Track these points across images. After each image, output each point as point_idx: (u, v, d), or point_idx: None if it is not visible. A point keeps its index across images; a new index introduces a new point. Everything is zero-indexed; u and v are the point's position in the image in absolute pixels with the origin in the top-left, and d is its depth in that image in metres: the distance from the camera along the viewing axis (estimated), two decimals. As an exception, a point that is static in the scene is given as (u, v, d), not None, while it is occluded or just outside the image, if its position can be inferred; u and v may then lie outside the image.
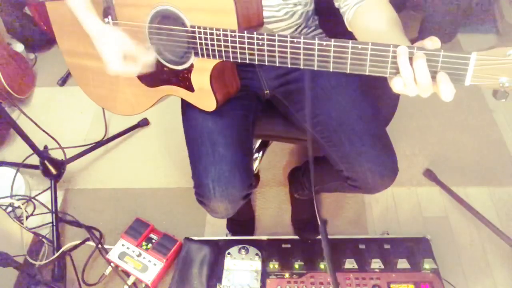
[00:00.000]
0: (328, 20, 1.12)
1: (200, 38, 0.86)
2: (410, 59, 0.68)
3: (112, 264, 1.44)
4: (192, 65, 0.93)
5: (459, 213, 1.57)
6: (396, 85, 0.70)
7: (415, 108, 1.91)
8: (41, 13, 2.22)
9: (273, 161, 1.78)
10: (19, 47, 2.21)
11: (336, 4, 0.99)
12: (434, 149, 1.77)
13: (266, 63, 0.82)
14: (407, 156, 1.75)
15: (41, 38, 2.28)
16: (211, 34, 0.84)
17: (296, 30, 1.09)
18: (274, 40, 0.78)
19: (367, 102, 1.07)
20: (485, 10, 2.16)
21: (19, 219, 1.59)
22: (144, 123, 1.95)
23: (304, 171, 1.46)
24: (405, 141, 1.80)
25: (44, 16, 2.22)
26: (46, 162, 1.61)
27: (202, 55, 0.88)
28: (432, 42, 0.68)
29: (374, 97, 1.10)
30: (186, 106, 1.11)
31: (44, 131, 1.59)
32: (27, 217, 1.61)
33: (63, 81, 2.20)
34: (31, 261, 1.45)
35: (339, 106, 1.05)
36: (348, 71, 0.75)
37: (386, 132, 1.07)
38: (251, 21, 0.85)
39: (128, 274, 1.43)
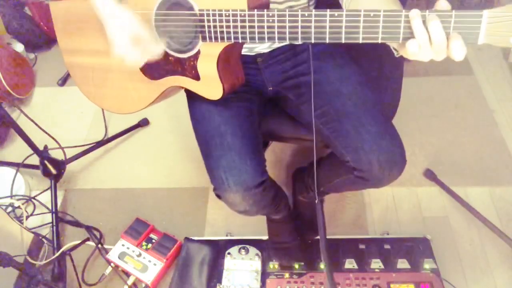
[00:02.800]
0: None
1: (208, 21, 0.86)
2: (423, 22, 0.69)
3: (112, 264, 1.44)
4: (198, 51, 0.92)
5: (459, 213, 1.57)
6: (411, 47, 0.70)
7: (415, 108, 1.91)
8: (41, 13, 2.21)
9: (273, 161, 1.78)
10: (19, 47, 2.21)
11: None
12: (434, 149, 1.77)
13: (276, 41, 0.83)
14: (407, 156, 1.74)
15: (41, 38, 2.27)
16: (220, 15, 0.84)
17: None
18: (284, 16, 0.79)
19: (371, 94, 1.08)
20: (485, 8, 2.16)
21: (19, 219, 1.59)
22: (144, 123, 1.95)
23: (309, 172, 1.45)
24: (405, 141, 1.76)
25: (44, 16, 2.22)
26: (46, 162, 1.61)
27: (210, 39, 0.88)
28: (445, 3, 0.69)
29: (377, 93, 1.10)
30: (192, 103, 1.11)
31: (44, 131, 1.59)
32: (27, 217, 1.61)
33: (63, 81, 2.19)
34: (31, 261, 1.45)
35: (344, 97, 1.06)
36: (360, 41, 0.75)
37: (392, 123, 1.06)
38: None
39: (128, 274, 1.43)
